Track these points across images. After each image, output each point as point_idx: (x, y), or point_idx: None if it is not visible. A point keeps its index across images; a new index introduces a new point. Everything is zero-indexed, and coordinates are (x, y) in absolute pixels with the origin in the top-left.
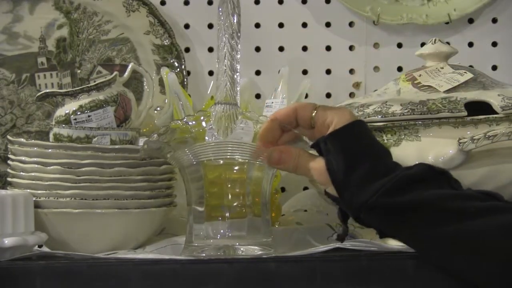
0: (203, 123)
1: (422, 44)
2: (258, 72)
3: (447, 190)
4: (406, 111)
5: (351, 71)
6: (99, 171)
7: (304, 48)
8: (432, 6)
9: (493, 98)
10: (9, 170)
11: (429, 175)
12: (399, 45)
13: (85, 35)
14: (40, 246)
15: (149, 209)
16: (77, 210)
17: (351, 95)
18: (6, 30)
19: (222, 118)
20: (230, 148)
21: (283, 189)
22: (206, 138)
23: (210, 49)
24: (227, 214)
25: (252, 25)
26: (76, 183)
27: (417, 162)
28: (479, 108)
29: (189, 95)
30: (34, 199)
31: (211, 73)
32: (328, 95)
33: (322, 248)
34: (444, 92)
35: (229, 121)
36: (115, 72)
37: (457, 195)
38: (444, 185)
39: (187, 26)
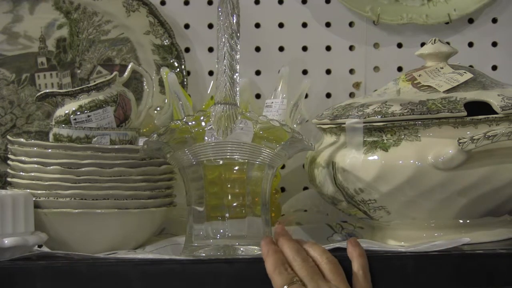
0: (203, 123)
1: (422, 44)
2: (258, 72)
3: None
4: (406, 111)
5: (351, 71)
6: (99, 171)
7: (304, 48)
8: (432, 6)
9: (493, 98)
10: (9, 170)
11: None
12: (399, 45)
13: (85, 35)
14: (40, 246)
15: (149, 209)
16: (77, 210)
17: (351, 95)
18: (6, 30)
19: (221, 118)
20: (230, 148)
21: (283, 189)
22: (206, 138)
23: (210, 49)
24: (227, 214)
25: (252, 25)
26: (76, 183)
27: (417, 163)
28: (478, 108)
29: (189, 95)
30: (34, 199)
31: (211, 73)
32: (328, 95)
33: None
34: (444, 92)
35: (228, 121)
36: (115, 72)
37: None
38: None
39: (187, 26)
